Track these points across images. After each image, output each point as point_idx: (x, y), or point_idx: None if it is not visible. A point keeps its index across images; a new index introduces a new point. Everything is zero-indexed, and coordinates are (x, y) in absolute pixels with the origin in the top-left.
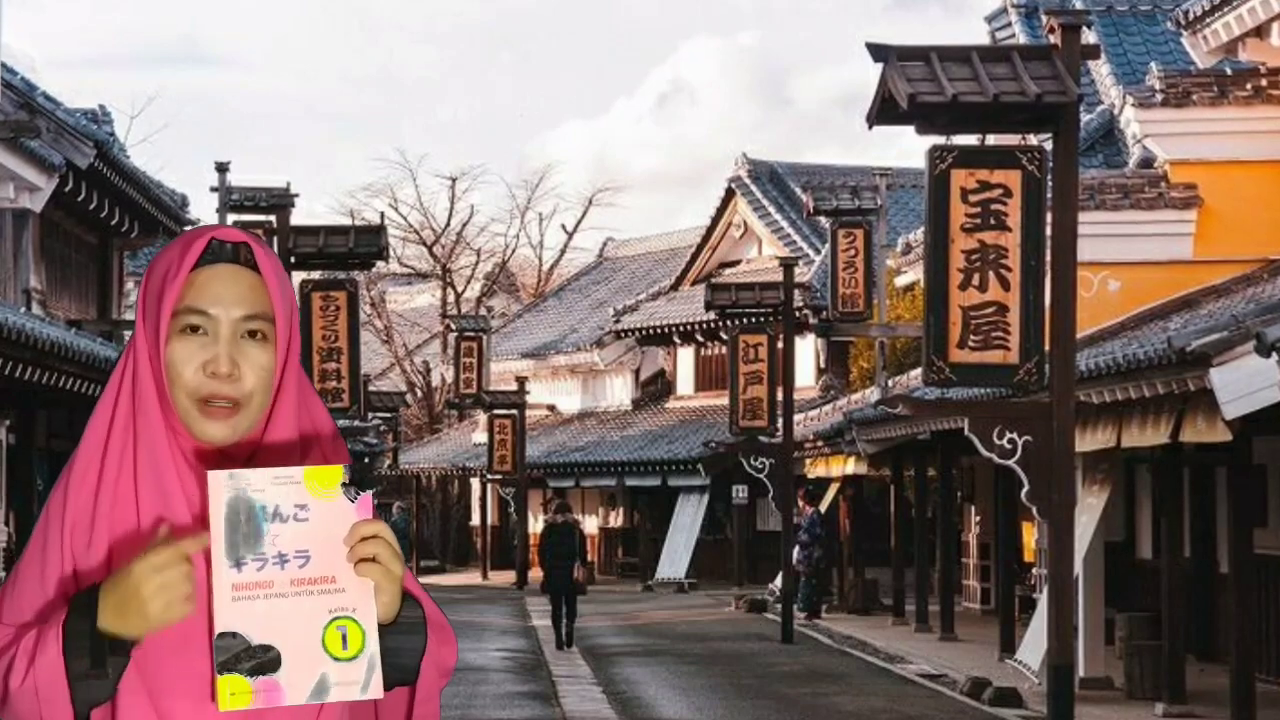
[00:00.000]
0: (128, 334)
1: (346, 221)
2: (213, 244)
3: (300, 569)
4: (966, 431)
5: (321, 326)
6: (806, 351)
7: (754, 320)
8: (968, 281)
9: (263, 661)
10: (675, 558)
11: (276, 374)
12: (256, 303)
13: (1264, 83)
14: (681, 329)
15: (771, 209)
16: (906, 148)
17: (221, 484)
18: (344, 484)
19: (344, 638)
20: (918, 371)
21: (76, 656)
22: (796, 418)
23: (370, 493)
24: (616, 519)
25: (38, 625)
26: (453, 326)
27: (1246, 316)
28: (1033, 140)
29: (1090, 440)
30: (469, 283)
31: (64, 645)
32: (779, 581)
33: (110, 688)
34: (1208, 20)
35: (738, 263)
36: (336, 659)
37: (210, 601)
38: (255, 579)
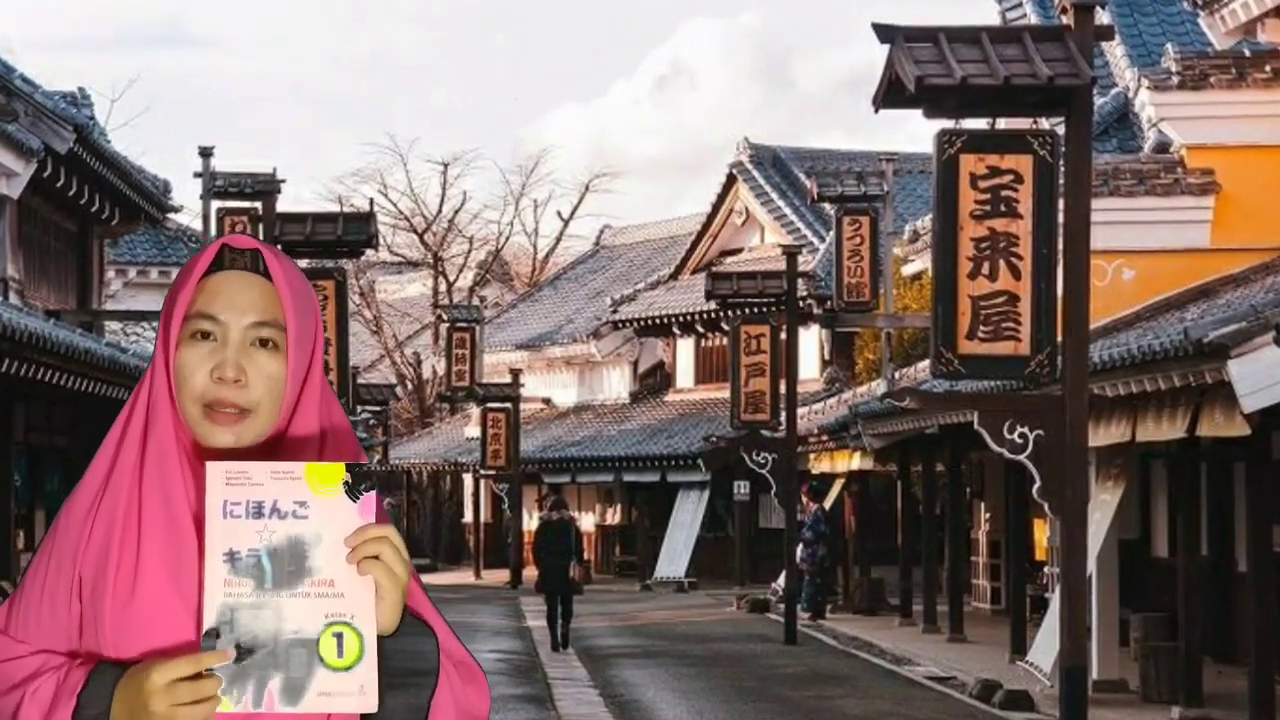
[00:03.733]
0: (108, 325)
1: (334, 208)
2: (225, 251)
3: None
4: (976, 425)
5: None
6: (810, 343)
7: (756, 310)
8: (977, 270)
9: (251, 664)
10: (674, 556)
11: (297, 380)
12: (267, 310)
13: None
14: (681, 319)
15: (774, 195)
16: (914, 132)
17: (219, 475)
18: (347, 482)
19: (340, 644)
20: (925, 363)
21: None
22: (800, 411)
23: (375, 492)
24: (614, 516)
25: (54, 672)
26: (444, 317)
27: (1265, 306)
28: (1045, 124)
29: (1104, 434)
30: (461, 271)
31: (74, 716)
32: (782, 581)
33: None
34: (1226, 0)
35: (739, 251)
36: (331, 667)
37: (200, 595)
38: (249, 575)
